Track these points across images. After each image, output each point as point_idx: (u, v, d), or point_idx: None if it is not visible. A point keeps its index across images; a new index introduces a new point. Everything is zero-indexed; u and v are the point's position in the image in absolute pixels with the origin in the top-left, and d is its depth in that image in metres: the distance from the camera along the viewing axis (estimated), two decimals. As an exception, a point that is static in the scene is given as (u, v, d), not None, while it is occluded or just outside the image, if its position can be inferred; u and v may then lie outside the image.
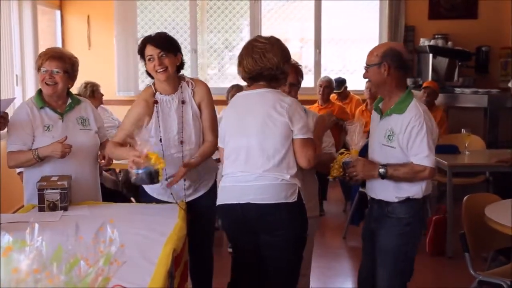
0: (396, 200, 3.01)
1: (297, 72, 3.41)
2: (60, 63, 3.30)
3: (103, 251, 1.44)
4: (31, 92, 6.35)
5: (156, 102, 3.25)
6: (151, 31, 8.53)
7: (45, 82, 3.30)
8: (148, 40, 3.18)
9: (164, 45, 3.16)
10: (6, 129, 3.32)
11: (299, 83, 3.43)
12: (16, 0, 6.42)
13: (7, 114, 3.16)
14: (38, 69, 3.33)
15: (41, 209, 3.05)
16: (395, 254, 3.04)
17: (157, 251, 2.40)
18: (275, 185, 2.86)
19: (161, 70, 3.14)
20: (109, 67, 8.13)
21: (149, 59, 3.16)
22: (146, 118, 3.19)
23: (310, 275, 3.57)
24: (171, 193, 3.26)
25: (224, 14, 8.43)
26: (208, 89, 3.37)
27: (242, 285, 3.12)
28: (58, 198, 3.04)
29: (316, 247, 3.65)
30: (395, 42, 2.72)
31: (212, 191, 3.38)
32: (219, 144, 3.11)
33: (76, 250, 1.41)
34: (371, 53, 3.04)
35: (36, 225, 1.43)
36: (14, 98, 3.46)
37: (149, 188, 3.35)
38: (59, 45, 8.08)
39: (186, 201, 3.32)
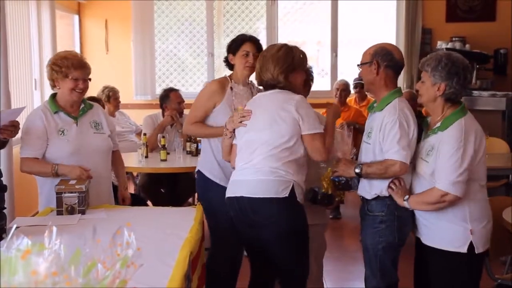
0: (370, 197, 3.03)
1: None
2: (87, 70, 3.39)
3: (120, 254, 1.45)
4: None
5: (231, 88, 3.50)
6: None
7: (76, 90, 3.34)
8: (249, 39, 3.54)
9: (260, 47, 3.54)
10: (19, 135, 3.34)
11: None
12: (35, 2, 6.48)
13: (18, 122, 3.17)
14: (66, 75, 3.31)
15: (59, 213, 3.07)
16: (371, 252, 3.07)
17: (174, 254, 2.41)
18: (268, 181, 2.93)
19: (251, 66, 3.48)
20: (126, 71, 8.19)
21: (246, 54, 3.51)
22: (217, 100, 3.50)
23: (327, 278, 3.56)
24: None
25: (240, 18, 8.45)
26: None
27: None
28: (76, 201, 3.07)
29: (333, 250, 3.65)
30: (389, 43, 2.77)
31: None
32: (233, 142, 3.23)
33: (94, 253, 1.42)
34: (364, 52, 3.09)
35: (54, 228, 1.44)
36: (24, 108, 3.46)
37: (213, 175, 3.51)
38: (77, 49, 8.15)
39: None
